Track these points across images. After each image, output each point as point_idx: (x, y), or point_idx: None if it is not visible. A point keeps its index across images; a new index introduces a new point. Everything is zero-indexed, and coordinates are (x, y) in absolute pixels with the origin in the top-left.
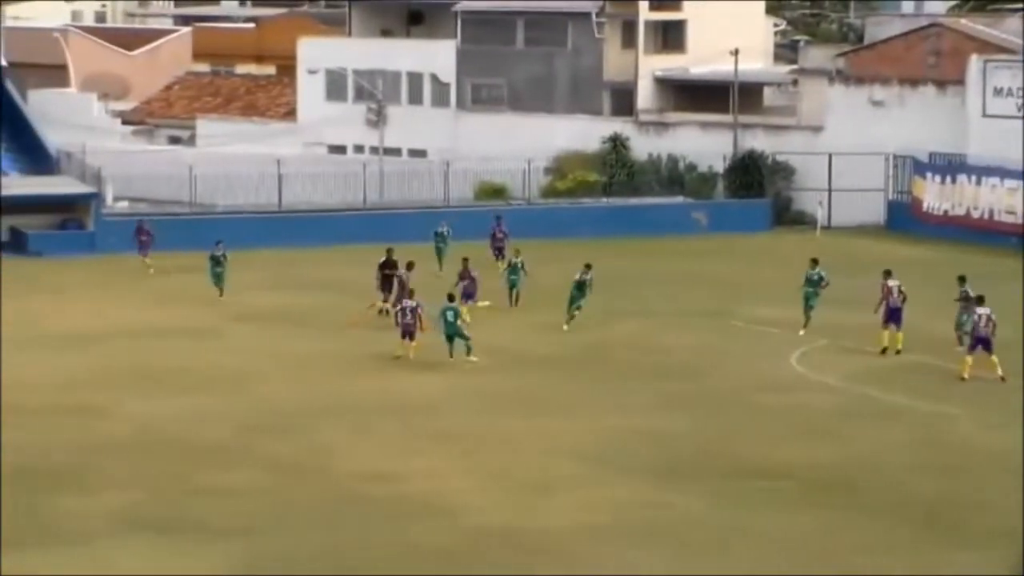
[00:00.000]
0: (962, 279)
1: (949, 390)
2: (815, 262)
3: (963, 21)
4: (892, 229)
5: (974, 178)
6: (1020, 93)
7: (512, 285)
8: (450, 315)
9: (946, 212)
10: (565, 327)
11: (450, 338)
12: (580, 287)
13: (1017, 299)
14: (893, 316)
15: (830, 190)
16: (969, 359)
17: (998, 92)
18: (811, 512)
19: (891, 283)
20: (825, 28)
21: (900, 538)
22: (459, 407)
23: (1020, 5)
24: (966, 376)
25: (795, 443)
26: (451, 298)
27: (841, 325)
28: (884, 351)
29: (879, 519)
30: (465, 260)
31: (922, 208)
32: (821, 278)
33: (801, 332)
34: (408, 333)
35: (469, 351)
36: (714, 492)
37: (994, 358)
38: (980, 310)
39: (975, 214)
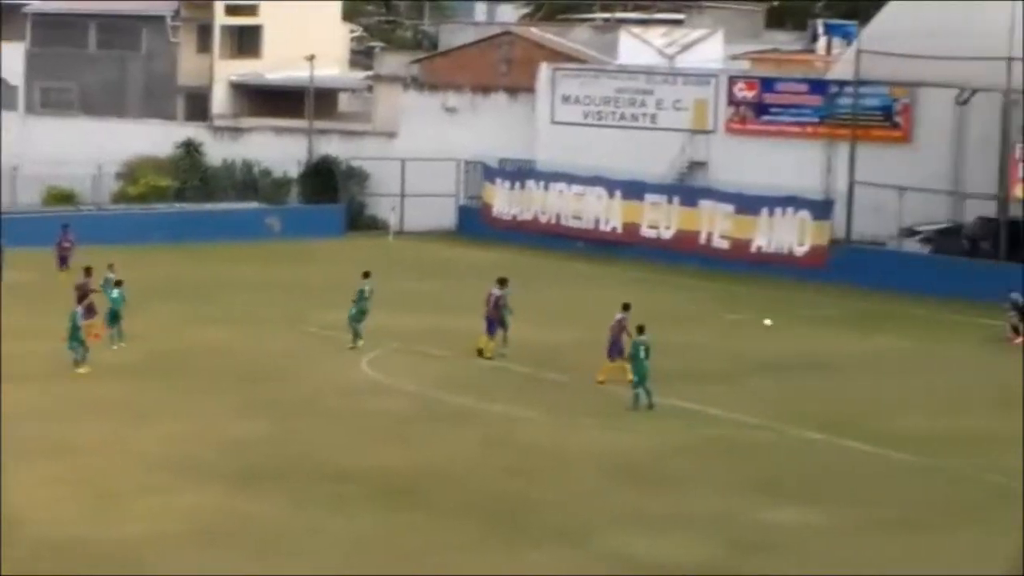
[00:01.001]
0: (502, 281)
1: (520, 392)
2: (366, 275)
3: (533, 30)
4: (463, 234)
5: (542, 183)
6: (587, 101)
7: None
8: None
9: (515, 217)
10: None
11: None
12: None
13: (585, 300)
14: (490, 324)
15: (403, 195)
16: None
17: (566, 99)
18: (386, 514)
19: (495, 292)
20: (400, 35)
21: (470, 538)
22: (40, 416)
23: (588, 15)
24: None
25: (369, 447)
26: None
27: (413, 329)
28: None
29: (451, 520)
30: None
31: (492, 213)
32: (362, 293)
33: (352, 346)
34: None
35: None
36: (291, 496)
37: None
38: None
39: (543, 219)
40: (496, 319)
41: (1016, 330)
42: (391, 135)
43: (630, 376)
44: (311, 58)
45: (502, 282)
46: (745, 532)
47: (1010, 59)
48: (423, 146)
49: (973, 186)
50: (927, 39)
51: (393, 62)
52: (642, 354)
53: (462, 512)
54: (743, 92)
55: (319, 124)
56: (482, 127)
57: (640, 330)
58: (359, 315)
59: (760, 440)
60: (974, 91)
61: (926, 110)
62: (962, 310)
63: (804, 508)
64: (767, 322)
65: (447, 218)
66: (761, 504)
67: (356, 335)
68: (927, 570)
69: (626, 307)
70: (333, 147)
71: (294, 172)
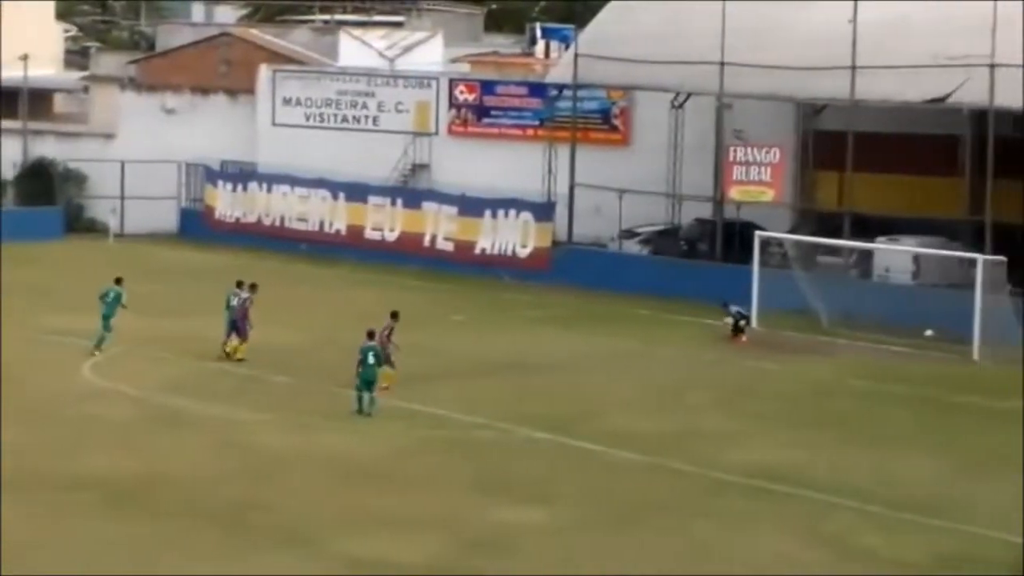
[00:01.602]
0: (251, 287)
1: (248, 395)
2: (118, 280)
3: (252, 31)
4: (185, 236)
5: (265, 186)
6: (308, 103)
7: None
8: None
9: (238, 219)
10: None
11: None
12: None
13: (311, 302)
14: (235, 326)
15: (123, 197)
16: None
17: (287, 101)
18: (113, 522)
19: (243, 295)
20: (116, 35)
21: (199, 543)
22: None
23: (307, 17)
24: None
25: (95, 453)
26: None
27: (136, 332)
28: (228, 356)
29: (179, 525)
30: None
31: (215, 215)
32: (116, 296)
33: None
34: None
35: None
36: (16, 506)
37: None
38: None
39: (266, 221)
40: (241, 323)
41: (737, 330)
42: (109, 136)
43: (384, 384)
44: (24, 57)
45: (251, 287)
46: (471, 531)
47: (722, 63)
48: (142, 147)
49: (690, 188)
50: (643, 43)
51: (110, 62)
52: (371, 359)
53: (190, 517)
54: (464, 95)
55: (34, 125)
56: (203, 129)
57: (370, 335)
58: (106, 321)
59: (486, 440)
60: (688, 95)
61: (643, 113)
62: (682, 310)
63: (530, 507)
64: (457, 318)
65: (169, 221)
66: (487, 504)
67: (101, 341)
68: (650, 567)
69: (394, 315)
70: (49, 148)
71: (9, 174)
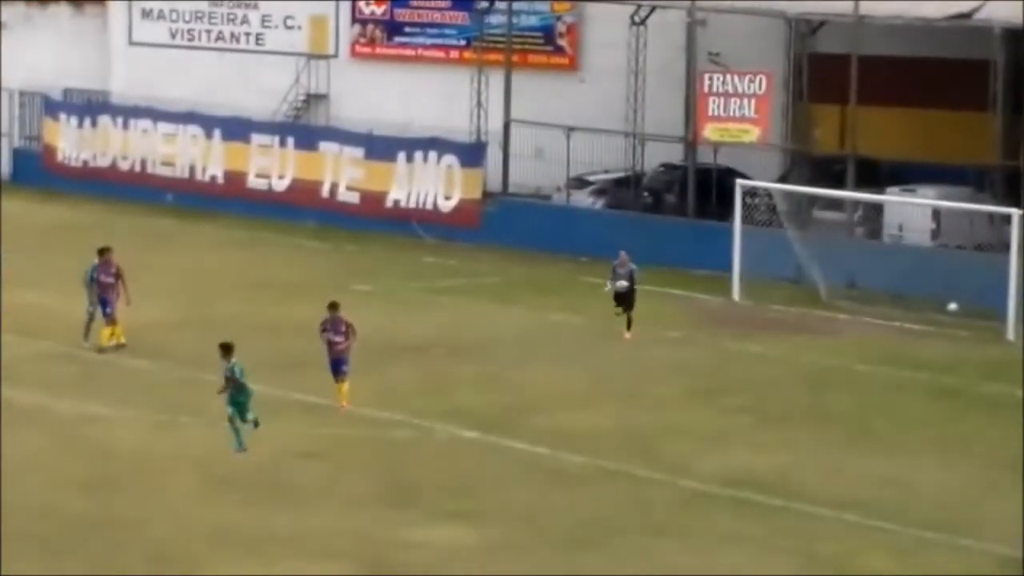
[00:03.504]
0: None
1: (97, 385)
2: None
3: None
4: (19, 183)
5: (120, 120)
6: (174, 16)
7: None
8: None
9: (86, 163)
10: None
11: None
12: None
13: (175, 268)
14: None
15: None
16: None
17: (147, 14)
18: None
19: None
20: None
21: (37, 569)
22: None
23: None
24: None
25: None
26: None
27: None
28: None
29: (14, 546)
30: None
31: (56, 158)
32: None
33: None
34: None
35: None
36: None
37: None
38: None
39: (123, 165)
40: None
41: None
42: None
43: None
44: None
45: (99, 252)
46: (380, 555)
47: None
48: None
49: (654, 126)
50: None
51: None
52: (238, 374)
53: (26, 537)
54: (371, 6)
55: None
56: (40, 48)
57: (226, 349)
58: None
59: (401, 440)
60: (652, 7)
61: (596, 31)
62: (645, 279)
63: (454, 525)
64: (363, 288)
65: None
66: (402, 519)
67: None
68: None
69: (333, 306)
70: None
71: None
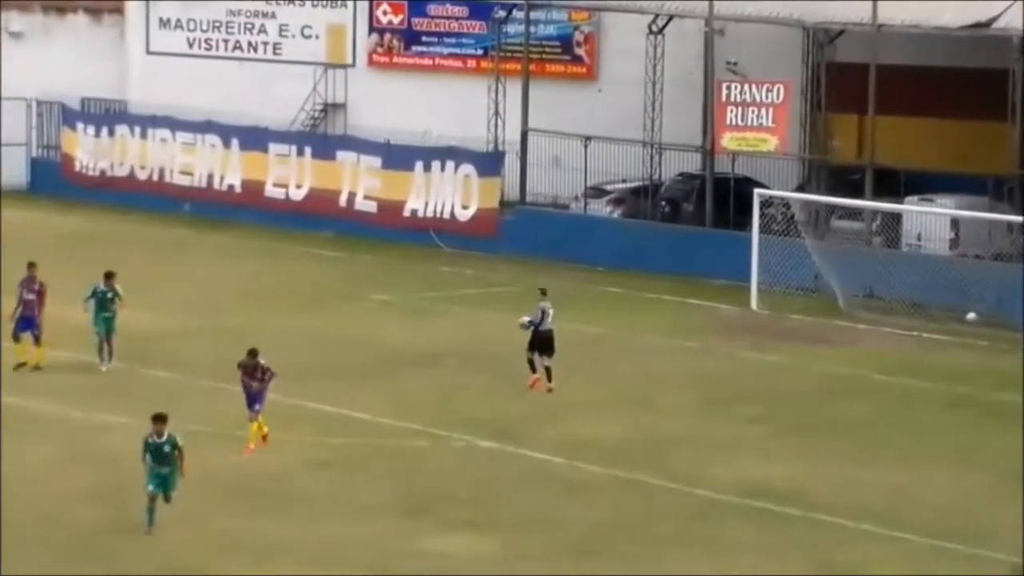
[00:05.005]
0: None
1: (109, 395)
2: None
3: None
4: (38, 193)
5: (138, 130)
6: (192, 26)
7: None
8: None
9: (104, 172)
10: None
11: None
12: None
13: (191, 278)
14: (26, 325)
15: None
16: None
17: (165, 24)
18: None
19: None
20: None
21: None
22: None
23: None
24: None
25: None
26: None
27: None
28: (21, 366)
29: (21, 554)
30: None
31: (74, 167)
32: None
33: None
34: None
35: None
36: None
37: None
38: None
39: (140, 174)
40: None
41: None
42: None
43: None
44: None
45: (29, 266)
46: (394, 562)
47: None
48: None
49: (672, 135)
50: None
51: None
52: (166, 448)
53: (34, 545)
54: (388, 16)
55: None
56: (57, 57)
57: (159, 420)
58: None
59: (418, 450)
60: (670, 17)
61: (613, 41)
62: (662, 287)
63: (469, 533)
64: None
65: (16, 173)
66: (415, 528)
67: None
68: None
69: (252, 353)
70: None
71: None
